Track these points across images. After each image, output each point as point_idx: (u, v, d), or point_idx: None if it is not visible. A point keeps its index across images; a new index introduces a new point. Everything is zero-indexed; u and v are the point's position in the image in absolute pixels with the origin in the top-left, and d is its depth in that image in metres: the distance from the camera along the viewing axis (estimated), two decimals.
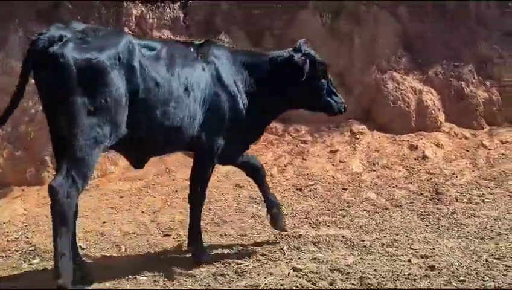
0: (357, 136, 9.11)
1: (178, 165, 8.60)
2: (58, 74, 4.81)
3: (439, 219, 7.13)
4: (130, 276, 5.58)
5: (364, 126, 9.54)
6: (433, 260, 5.82)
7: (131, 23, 9.28)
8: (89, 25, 5.54)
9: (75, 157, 4.88)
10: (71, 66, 4.80)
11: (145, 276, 5.60)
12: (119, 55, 5.06)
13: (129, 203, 7.78)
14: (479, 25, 10.48)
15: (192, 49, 5.82)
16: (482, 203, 7.71)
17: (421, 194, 8.03)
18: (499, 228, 6.78)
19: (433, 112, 9.72)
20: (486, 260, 5.79)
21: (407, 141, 9.24)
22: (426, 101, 9.75)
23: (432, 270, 5.57)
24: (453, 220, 7.07)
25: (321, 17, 9.66)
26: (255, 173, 6.47)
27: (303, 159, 8.96)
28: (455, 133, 9.59)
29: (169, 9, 9.45)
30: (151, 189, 8.20)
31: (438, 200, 7.82)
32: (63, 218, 4.82)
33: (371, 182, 8.35)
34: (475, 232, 6.65)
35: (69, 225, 4.90)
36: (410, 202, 7.78)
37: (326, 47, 9.39)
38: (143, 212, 7.52)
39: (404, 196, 7.98)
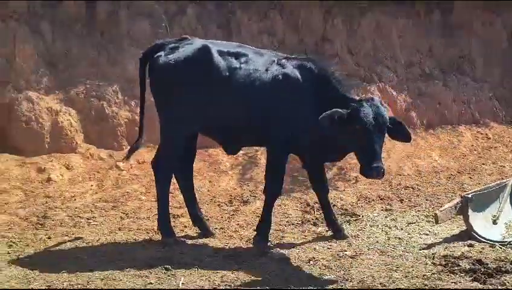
0: None
1: None
2: (154, 71, 6.82)
3: (28, 246, 6.72)
4: None
5: None
6: None
7: None
8: (193, 38, 7.05)
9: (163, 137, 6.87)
10: (161, 67, 6.72)
11: None
12: (194, 60, 6.64)
13: None
14: (130, 45, 10.31)
15: (274, 60, 6.75)
16: (87, 225, 7.45)
17: (27, 219, 7.57)
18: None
19: (69, 133, 9.32)
20: None
21: (37, 163, 8.78)
22: (63, 122, 9.34)
23: None
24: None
25: None
26: (320, 189, 7.22)
27: None
28: (91, 154, 9.28)
29: None
30: None
31: (40, 225, 7.41)
32: None
33: None
34: None
35: None
36: (10, 228, 7.28)
37: None
38: None
39: (7, 222, 7.45)
